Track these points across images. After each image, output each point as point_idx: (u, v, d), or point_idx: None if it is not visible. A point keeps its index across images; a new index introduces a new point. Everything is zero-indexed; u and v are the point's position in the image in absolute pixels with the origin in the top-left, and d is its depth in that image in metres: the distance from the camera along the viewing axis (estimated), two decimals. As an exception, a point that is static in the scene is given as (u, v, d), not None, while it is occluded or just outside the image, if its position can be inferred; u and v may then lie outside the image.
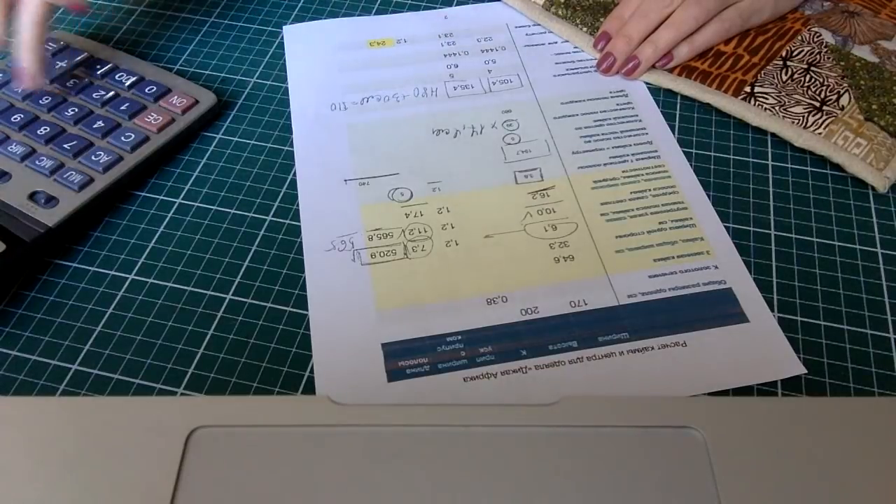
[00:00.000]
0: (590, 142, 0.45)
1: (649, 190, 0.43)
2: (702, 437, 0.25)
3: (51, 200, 0.39)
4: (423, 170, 0.43)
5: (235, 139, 0.45)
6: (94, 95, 0.45)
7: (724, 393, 0.34)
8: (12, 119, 0.43)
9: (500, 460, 0.24)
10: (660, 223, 0.41)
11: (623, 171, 0.43)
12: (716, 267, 0.39)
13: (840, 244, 0.41)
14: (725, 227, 0.41)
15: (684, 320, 0.37)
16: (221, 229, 0.41)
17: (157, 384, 0.35)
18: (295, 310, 0.37)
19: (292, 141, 0.45)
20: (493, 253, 0.39)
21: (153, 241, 0.40)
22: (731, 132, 0.46)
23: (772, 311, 0.37)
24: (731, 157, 0.45)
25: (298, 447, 0.25)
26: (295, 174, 0.43)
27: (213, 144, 0.45)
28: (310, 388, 0.34)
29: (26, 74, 0.43)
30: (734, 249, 0.40)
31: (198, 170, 0.44)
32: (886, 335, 0.37)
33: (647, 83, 0.49)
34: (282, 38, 0.52)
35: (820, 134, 0.44)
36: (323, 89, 0.48)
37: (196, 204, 0.42)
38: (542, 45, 0.51)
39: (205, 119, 0.45)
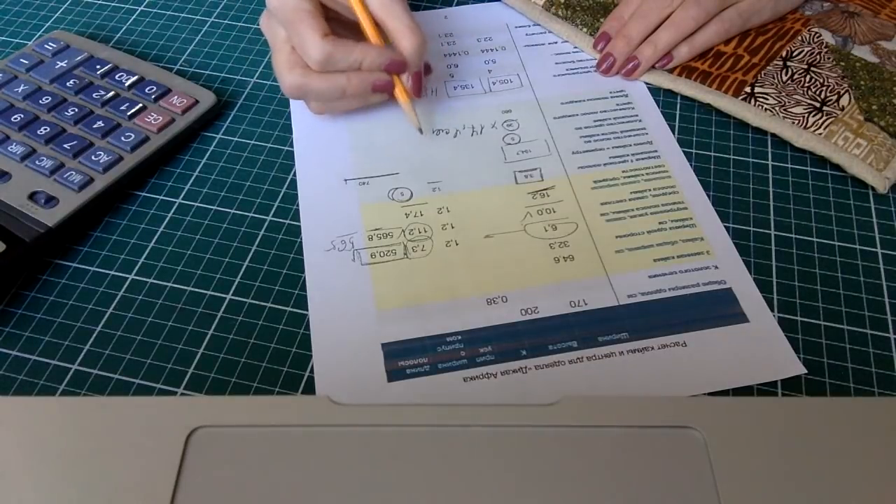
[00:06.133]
0: (590, 142, 0.45)
1: (649, 190, 0.43)
2: (702, 437, 0.25)
3: (51, 200, 0.39)
4: (423, 169, 0.43)
5: (235, 139, 0.45)
6: (94, 95, 0.45)
7: (724, 393, 0.34)
8: (12, 119, 0.43)
9: (500, 460, 0.24)
10: (660, 223, 0.41)
11: (623, 171, 0.43)
12: (716, 267, 0.39)
13: (840, 244, 0.41)
14: (725, 227, 0.41)
15: (684, 320, 0.37)
16: (221, 229, 0.41)
17: (157, 384, 0.35)
18: (295, 310, 0.37)
19: (292, 141, 0.45)
20: (493, 253, 0.39)
21: (153, 241, 0.40)
22: (731, 132, 0.46)
23: (772, 311, 0.37)
24: (731, 157, 0.45)
25: (298, 447, 0.25)
26: (295, 174, 0.43)
27: (213, 144, 0.45)
28: (310, 388, 0.34)
29: None
30: (734, 249, 0.40)
31: (198, 170, 0.44)
32: (886, 335, 0.37)
33: (647, 83, 0.49)
34: (282, 38, 0.52)
35: (820, 134, 0.44)
36: (323, 89, 0.48)
37: (196, 204, 0.42)
38: (542, 45, 0.51)
39: (205, 119, 0.45)
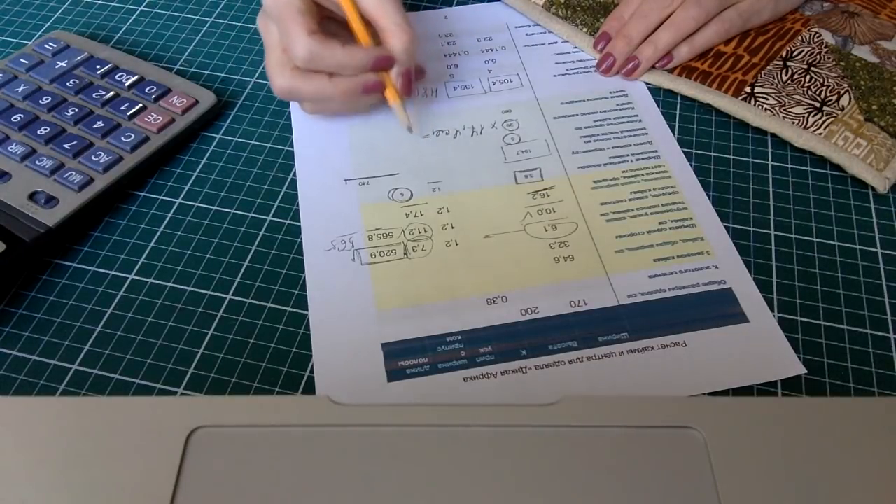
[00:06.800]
0: (590, 142, 0.45)
1: (649, 190, 0.43)
2: (702, 437, 0.25)
3: (51, 200, 0.39)
4: (423, 170, 0.43)
5: (235, 139, 0.45)
6: (94, 95, 0.45)
7: (724, 393, 0.34)
8: (12, 119, 0.43)
9: (500, 460, 0.24)
10: (660, 223, 0.41)
11: (623, 171, 0.43)
12: (716, 267, 0.39)
13: (840, 244, 0.41)
14: (725, 227, 0.41)
15: (684, 320, 0.37)
16: (221, 229, 0.41)
17: (157, 384, 0.35)
18: (295, 310, 0.37)
19: (292, 141, 0.45)
20: (493, 253, 0.39)
21: (153, 241, 0.40)
22: (731, 132, 0.46)
23: (772, 311, 0.37)
24: (731, 157, 0.45)
25: (298, 447, 0.25)
26: (295, 174, 0.43)
27: (213, 144, 0.45)
28: (310, 388, 0.34)
29: None
30: (734, 249, 0.40)
31: (198, 170, 0.44)
32: (886, 335, 0.37)
33: (647, 83, 0.49)
34: (282, 38, 0.52)
35: (820, 134, 0.44)
36: (323, 89, 0.48)
37: (196, 204, 0.42)
38: (542, 45, 0.51)
39: (205, 119, 0.45)
